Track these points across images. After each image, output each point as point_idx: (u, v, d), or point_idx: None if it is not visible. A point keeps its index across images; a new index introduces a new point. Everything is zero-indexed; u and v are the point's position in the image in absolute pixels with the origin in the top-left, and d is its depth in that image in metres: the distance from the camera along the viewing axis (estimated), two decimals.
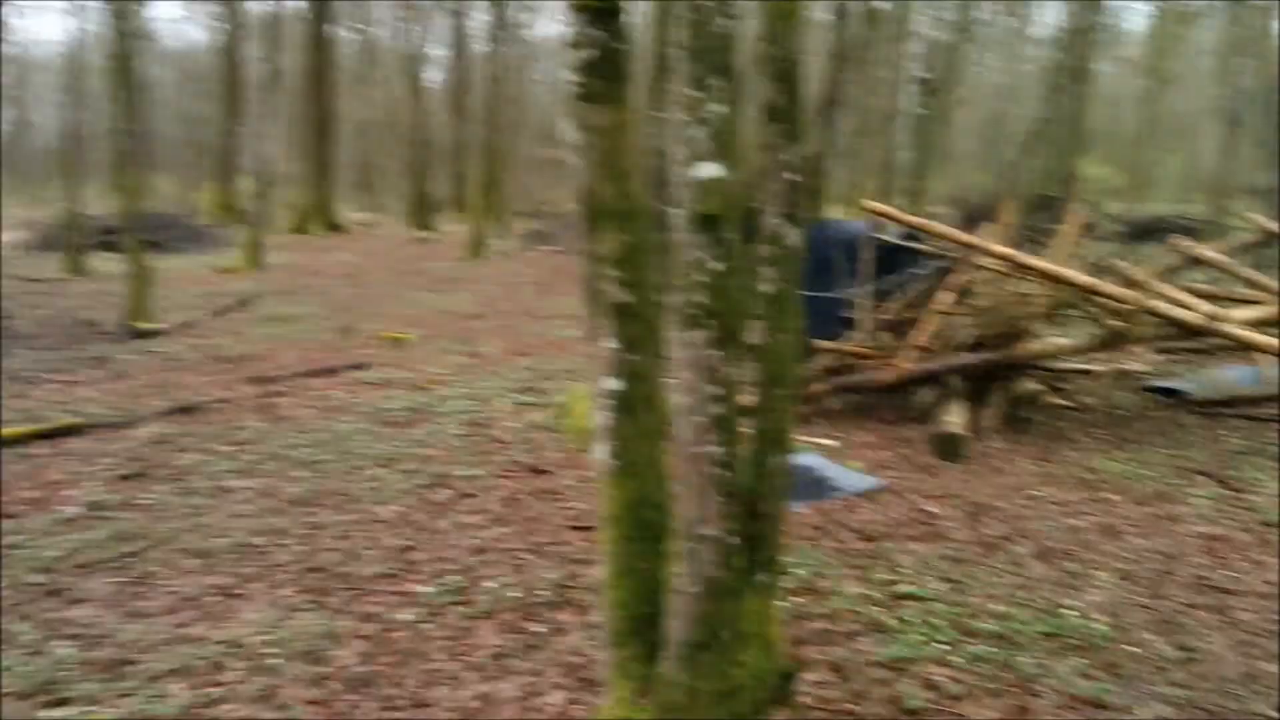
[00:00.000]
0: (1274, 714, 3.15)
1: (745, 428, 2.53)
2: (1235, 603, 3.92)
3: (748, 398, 2.57)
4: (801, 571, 4.19)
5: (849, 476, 5.50)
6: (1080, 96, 23.74)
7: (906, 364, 6.75)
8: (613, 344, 2.51)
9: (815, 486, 5.33)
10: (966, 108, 33.06)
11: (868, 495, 5.25)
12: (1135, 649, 3.56)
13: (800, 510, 4.99)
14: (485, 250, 20.13)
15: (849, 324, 7.48)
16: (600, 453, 2.61)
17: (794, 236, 2.53)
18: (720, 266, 2.31)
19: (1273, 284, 6.90)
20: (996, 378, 6.87)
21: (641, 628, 2.59)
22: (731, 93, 2.30)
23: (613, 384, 2.53)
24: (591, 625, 3.63)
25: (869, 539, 4.63)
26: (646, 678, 2.57)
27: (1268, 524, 4.78)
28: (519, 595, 3.99)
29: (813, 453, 5.95)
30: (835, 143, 16.37)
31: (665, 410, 2.55)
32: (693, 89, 2.27)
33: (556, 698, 3.23)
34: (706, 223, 2.29)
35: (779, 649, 2.63)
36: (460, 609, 3.87)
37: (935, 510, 5.02)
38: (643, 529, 2.59)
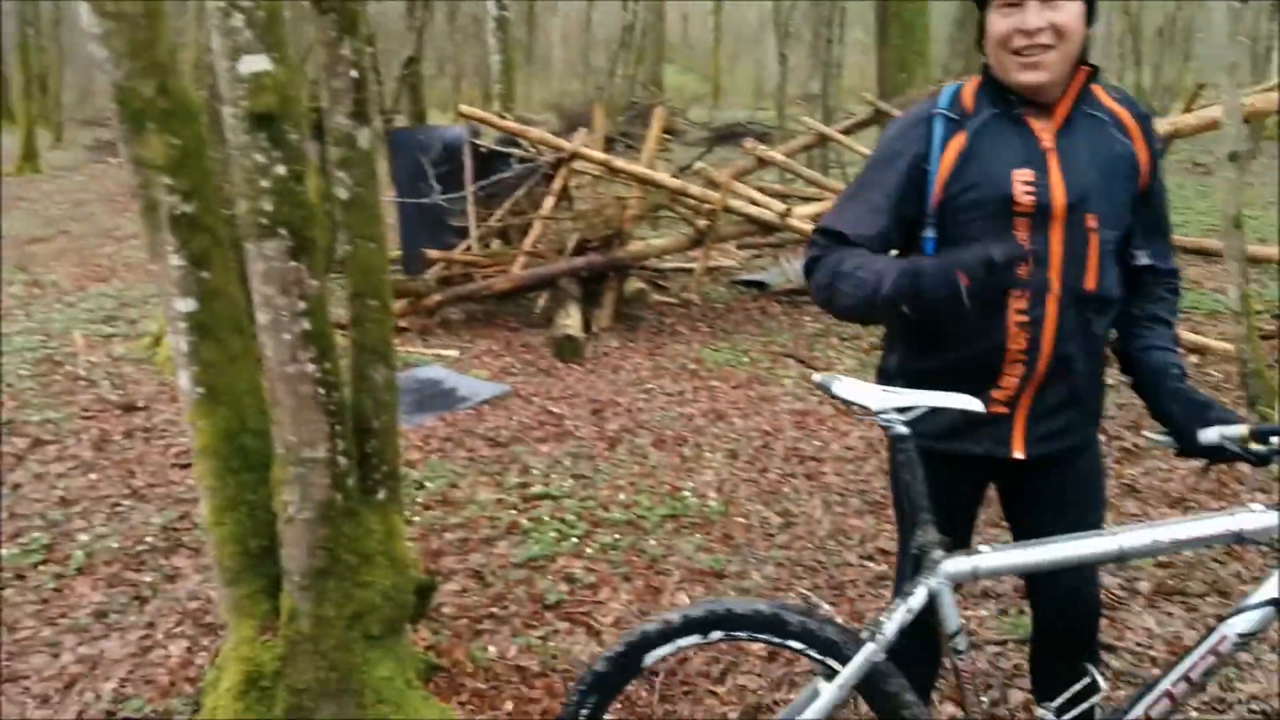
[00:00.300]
0: (859, 561, 3.58)
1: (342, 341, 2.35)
2: (823, 469, 4.42)
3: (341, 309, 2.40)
4: (434, 484, 4.11)
5: (475, 385, 5.46)
6: (657, 7, 25.07)
7: (518, 270, 6.79)
8: (178, 260, 2.20)
9: (442, 398, 5.23)
10: (555, 14, 33.68)
11: (494, 402, 5.24)
12: (744, 520, 3.89)
13: (428, 423, 4.87)
14: (40, 163, 17.37)
15: (460, 232, 7.37)
16: (184, 381, 2.31)
17: (365, 138, 2.34)
18: (284, 170, 2.08)
19: (830, 181, 7.76)
20: (605, 279, 7.13)
21: (257, 562, 2.38)
22: None
23: (186, 305, 2.23)
24: (208, 567, 3.31)
25: (500, 445, 4.64)
26: (269, 612, 2.38)
27: None
28: (121, 545, 3.55)
29: (436, 364, 5.83)
30: (424, 46, 15.88)
31: (251, 329, 2.30)
32: None
33: (175, 648, 2.93)
34: (262, 122, 2.05)
35: (410, 564, 2.53)
36: (50, 568, 3.37)
37: (560, 411, 5.13)
38: (243, 458, 2.36)
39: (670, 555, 3.57)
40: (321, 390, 2.22)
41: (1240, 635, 1.64)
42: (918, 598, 1.71)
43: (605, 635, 3.03)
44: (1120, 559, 1.68)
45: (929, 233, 1.82)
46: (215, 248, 2.27)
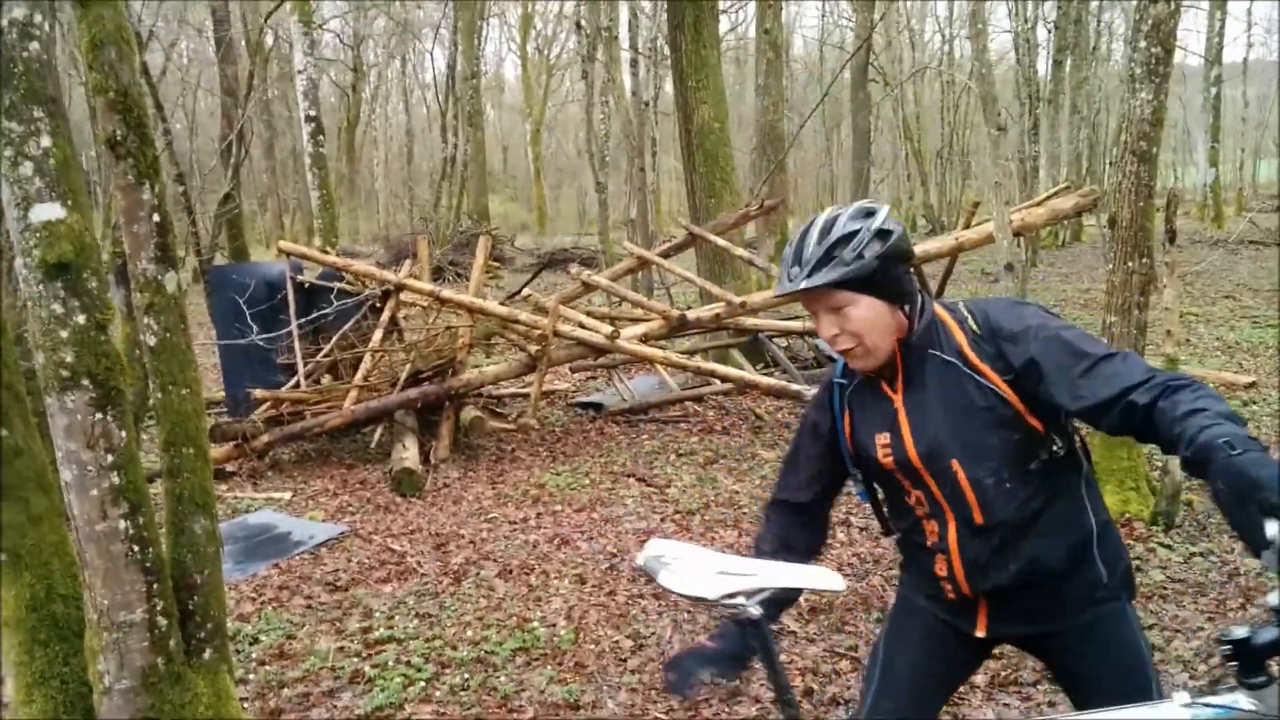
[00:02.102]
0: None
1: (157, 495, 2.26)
2: None
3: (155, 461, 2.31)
4: (269, 637, 3.90)
5: (309, 527, 5.25)
6: (478, 139, 25.68)
7: (350, 405, 6.66)
8: None
9: (275, 544, 5.00)
10: (375, 147, 33.92)
11: (332, 544, 5.05)
12: (595, 646, 3.86)
13: (261, 571, 4.64)
14: None
15: (287, 369, 7.18)
16: None
17: (172, 282, 2.32)
18: (83, 319, 2.04)
19: (653, 303, 8.03)
20: (441, 409, 7.07)
21: None
22: (60, 125, 2.04)
23: None
24: None
25: (339, 589, 4.46)
26: None
27: (682, 512, 5.52)
28: None
29: (267, 509, 5.58)
30: (241, 182, 15.65)
31: (56, 488, 2.20)
32: (12, 121, 1.98)
33: None
34: (57, 271, 2.01)
35: None
36: None
37: (401, 548, 4.99)
38: (53, 627, 2.21)
39: (523, 690, 3.50)
40: (136, 547, 2.12)
41: None
42: None
43: None
44: None
45: (857, 484, 1.99)
46: (14, 404, 2.16)
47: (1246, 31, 41.29)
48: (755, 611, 1.55)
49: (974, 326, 1.84)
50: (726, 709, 3.34)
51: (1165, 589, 4.21)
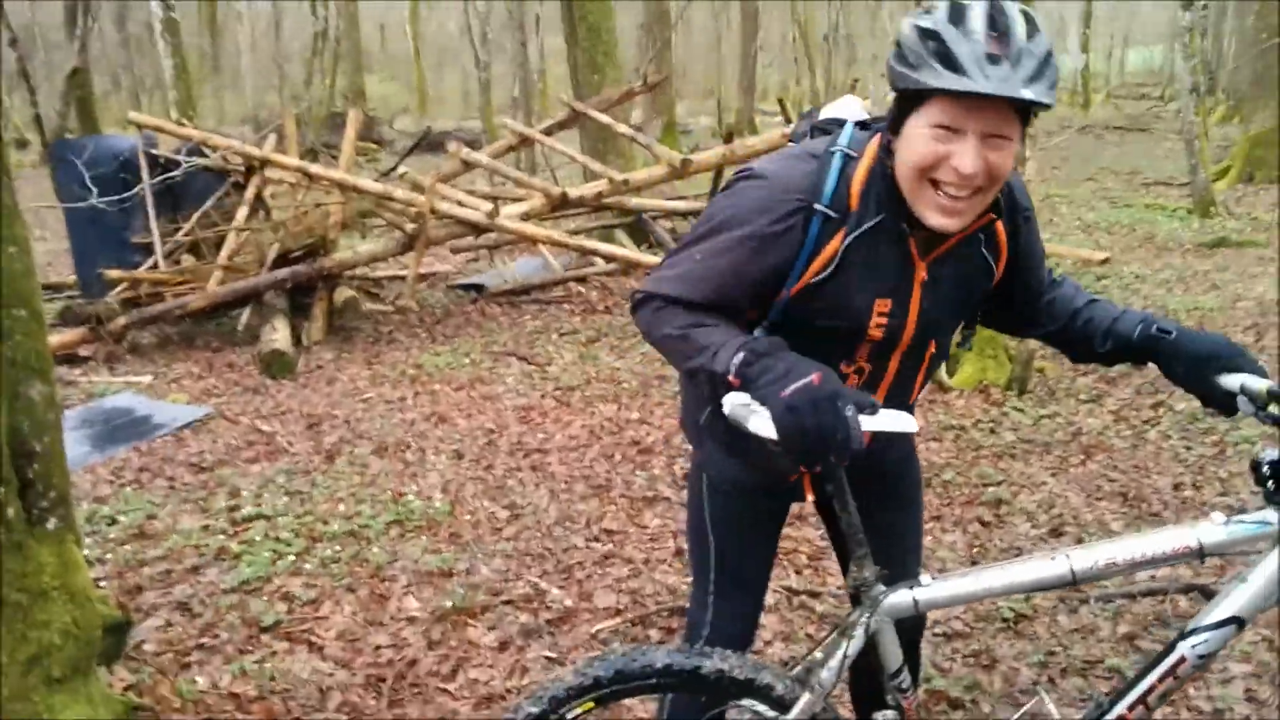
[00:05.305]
0: (585, 544, 3.66)
1: None
2: (548, 460, 4.47)
3: None
4: (128, 518, 3.78)
5: (171, 410, 5.06)
6: (350, 13, 24.36)
7: (215, 286, 6.38)
8: None
9: (133, 427, 4.81)
10: (240, 21, 31.85)
11: (196, 426, 4.89)
12: (471, 518, 3.87)
13: (120, 454, 4.47)
14: None
15: (144, 249, 6.82)
16: None
17: None
18: None
19: (535, 181, 7.85)
20: (313, 291, 6.84)
21: None
22: None
23: None
24: None
25: (204, 469, 4.33)
26: None
27: (563, 389, 5.52)
28: None
29: (126, 392, 5.35)
30: (90, 57, 14.51)
31: None
32: None
33: None
34: None
35: (94, 599, 2.31)
36: None
37: (271, 429, 4.87)
38: None
39: (396, 561, 3.49)
40: None
41: (1200, 657, 1.50)
42: (857, 640, 1.54)
43: (327, 649, 2.91)
44: (1073, 583, 1.51)
45: (760, 327, 1.61)
46: None
47: None
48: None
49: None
50: (598, 570, 3.41)
51: (1014, 449, 4.44)
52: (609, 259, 7.39)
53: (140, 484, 4.17)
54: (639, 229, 8.60)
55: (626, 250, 7.64)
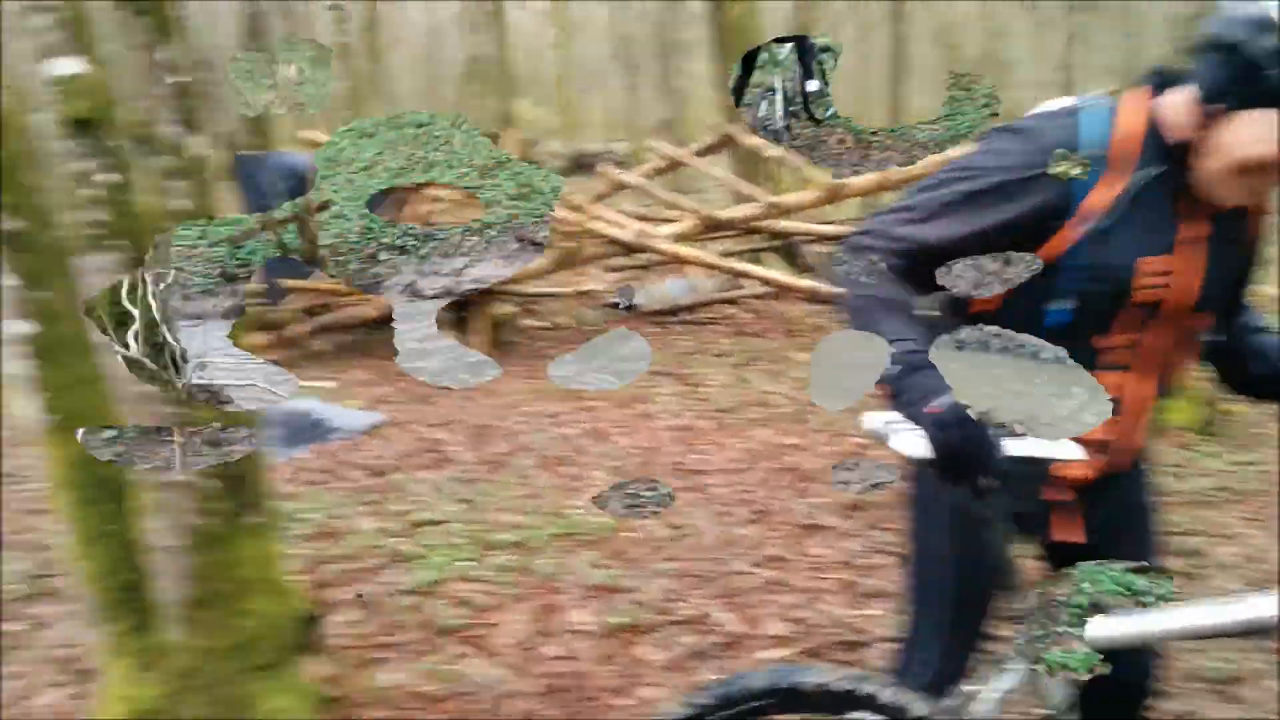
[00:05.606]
0: (749, 569, 3.64)
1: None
2: (707, 481, 4.48)
3: None
4: (314, 516, 3.97)
5: (348, 415, 5.30)
6: (500, 41, 25.10)
7: (384, 298, 6.66)
8: (11, 281, 2.08)
9: (313, 429, 5.05)
10: (399, 44, 33.18)
11: (371, 431, 5.10)
12: (634, 534, 3.90)
13: (302, 455, 4.71)
14: None
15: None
16: (30, 410, 2.18)
17: (199, 145, 2.25)
18: (114, 178, 1.99)
19: (685, 202, 7.89)
20: (476, 304, 7.05)
21: (128, 596, 2.26)
22: None
23: (23, 328, 2.11)
24: (75, 613, 3.11)
25: (379, 474, 4.51)
26: (147, 649, 2.24)
27: (720, 411, 5.52)
28: None
29: (308, 397, 5.63)
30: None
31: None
32: None
33: (50, 697, 2.72)
34: (81, 127, 1.96)
35: (292, 593, 2.43)
36: None
37: (440, 437, 5.04)
38: (102, 487, 2.23)
39: (564, 573, 3.54)
40: (180, 409, 2.12)
41: None
42: (1010, 677, 1.45)
43: (504, 656, 2.98)
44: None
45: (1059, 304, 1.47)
46: (53, 264, 2.13)
47: None
48: None
49: None
50: (763, 597, 3.38)
51: (1209, 496, 4.20)
52: (764, 282, 7.36)
53: (322, 485, 4.37)
54: (789, 253, 8.53)
55: (780, 274, 7.60)
